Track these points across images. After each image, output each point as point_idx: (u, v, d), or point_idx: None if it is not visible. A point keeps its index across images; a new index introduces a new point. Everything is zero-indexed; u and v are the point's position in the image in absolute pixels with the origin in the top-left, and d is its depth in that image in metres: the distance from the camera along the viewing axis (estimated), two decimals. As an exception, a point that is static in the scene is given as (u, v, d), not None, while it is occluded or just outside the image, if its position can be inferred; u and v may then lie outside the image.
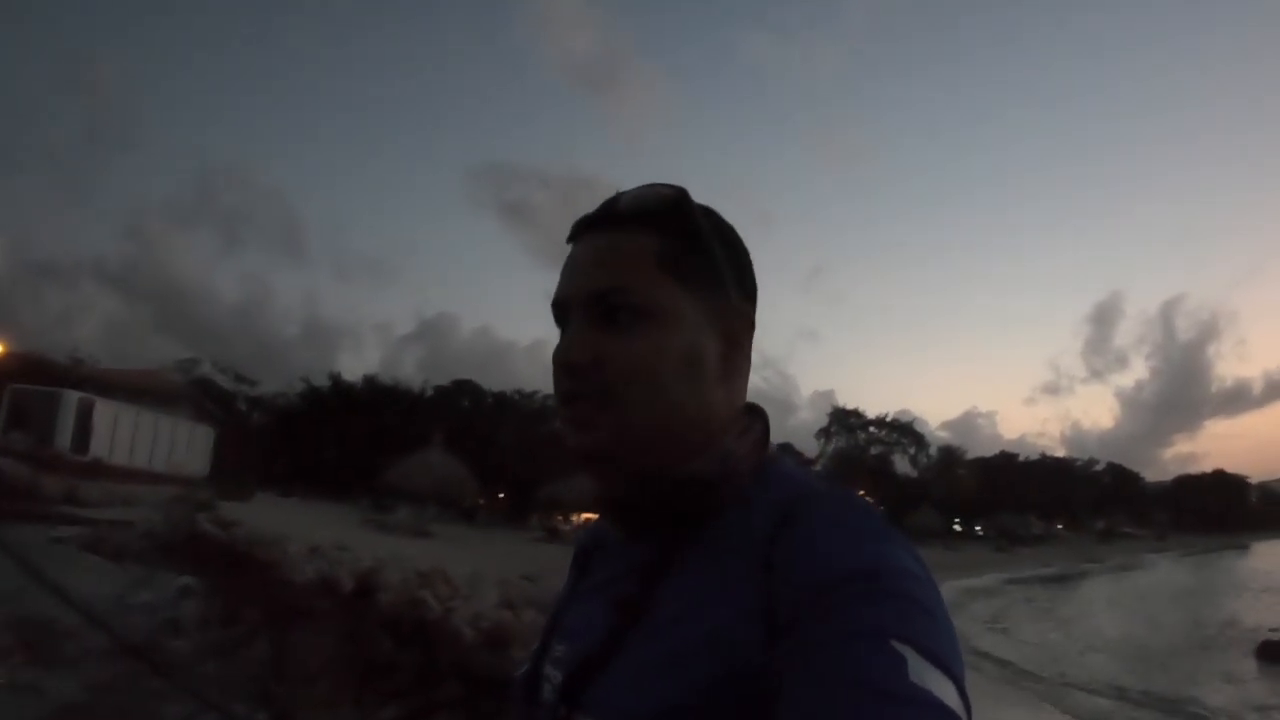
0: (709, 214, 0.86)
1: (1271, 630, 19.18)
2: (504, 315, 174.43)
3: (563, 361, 0.80)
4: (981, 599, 29.26)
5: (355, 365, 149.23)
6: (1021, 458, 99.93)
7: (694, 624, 0.70)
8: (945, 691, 0.57)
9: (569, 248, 0.87)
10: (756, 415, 0.88)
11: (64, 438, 29.53)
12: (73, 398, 30.81)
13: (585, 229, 0.86)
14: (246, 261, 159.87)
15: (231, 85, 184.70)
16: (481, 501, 45.61)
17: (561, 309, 0.84)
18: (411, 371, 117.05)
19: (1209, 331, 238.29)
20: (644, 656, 0.72)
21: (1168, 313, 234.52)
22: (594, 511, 0.93)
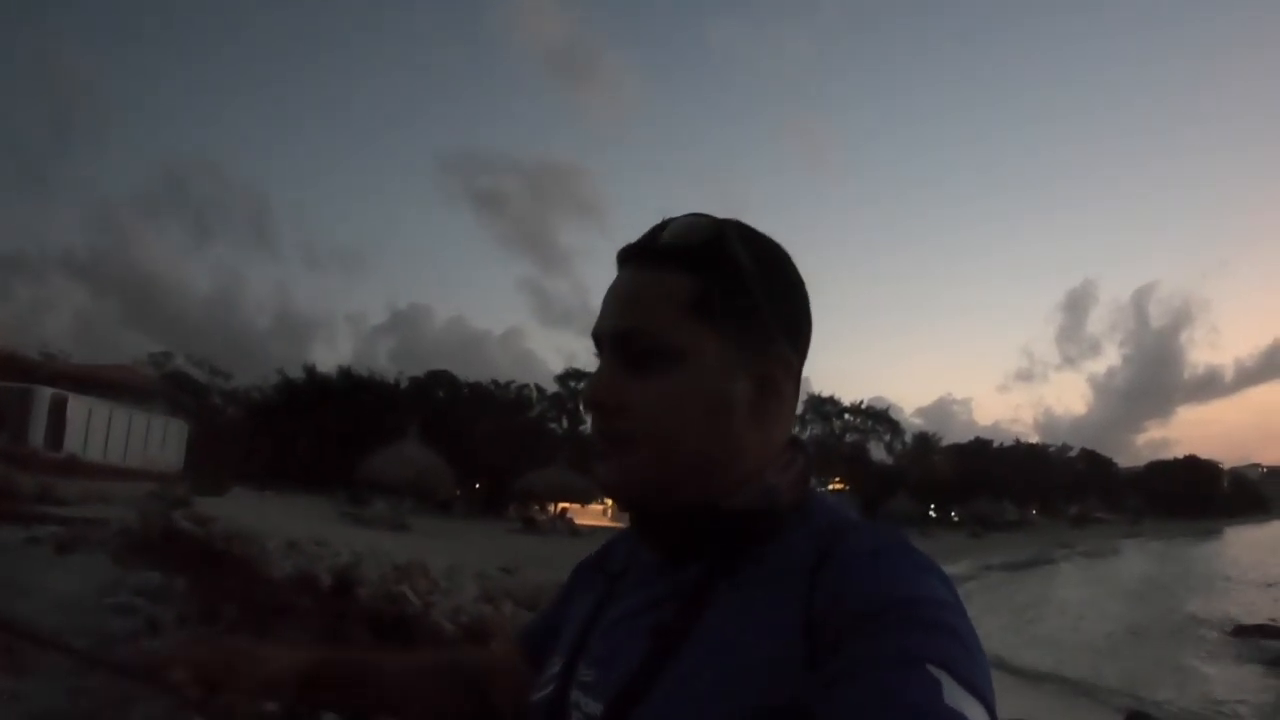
0: (759, 247, 0.85)
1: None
2: (477, 305, 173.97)
3: (587, 399, 0.83)
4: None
5: (328, 357, 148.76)
6: (996, 444, 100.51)
7: (736, 654, 0.72)
8: (978, 716, 0.59)
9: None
10: (799, 449, 0.88)
11: (37, 435, 29.34)
12: (45, 394, 30.58)
13: (627, 260, 0.86)
14: (216, 253, 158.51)
15: (199, 75, 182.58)
16: (458, 493, 45.47)
17: (597, 343, 0.85)
18: (385, 363, 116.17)
19: (1181, 319, 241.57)
20: (685, 686, 0.72)
21: (1140, 300, 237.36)
22: (636, 531, 0.91)
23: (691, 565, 0.82)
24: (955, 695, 0.59)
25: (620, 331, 0.82)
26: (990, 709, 0.61)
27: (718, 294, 0.81)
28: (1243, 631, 18.60)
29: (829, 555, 0.74)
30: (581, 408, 0.86)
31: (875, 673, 0.62)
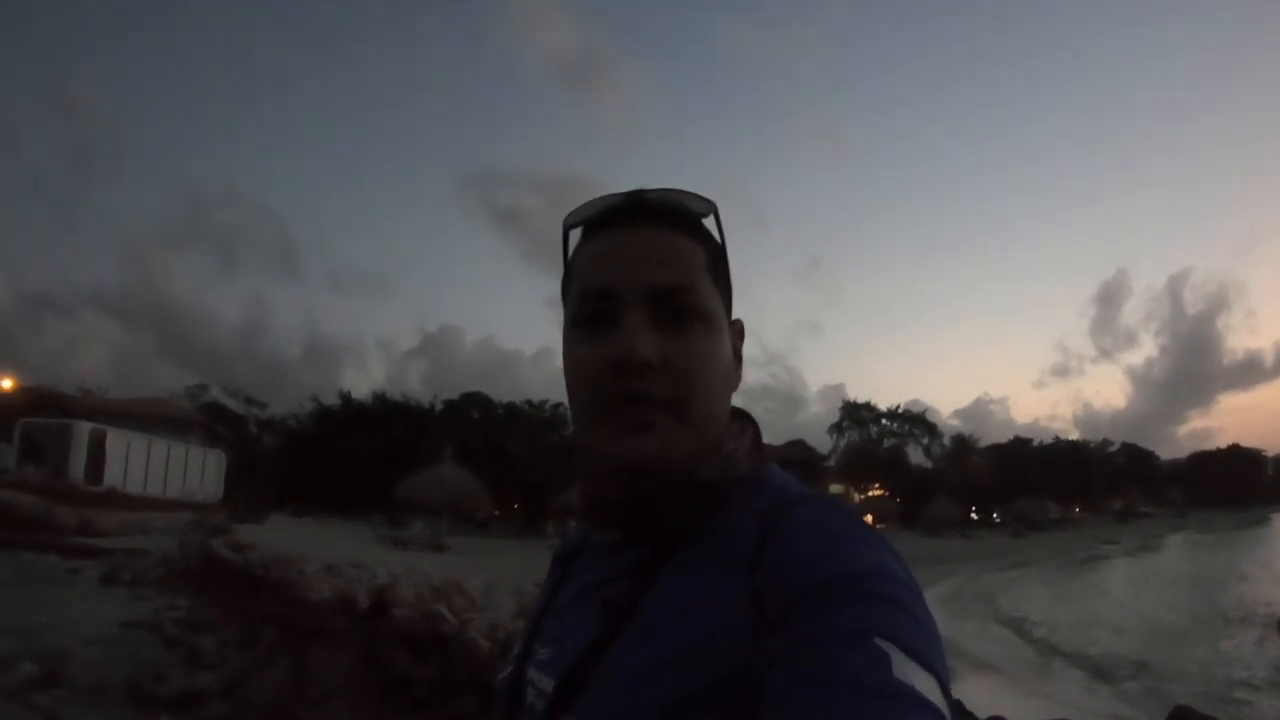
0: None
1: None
2: (505, 325, 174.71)
3: (624, 358, 0.76)
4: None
5: (360, 382, 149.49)
6: (1035, 442, 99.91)
7: (683, 628, 0.70)
8: (928, 688, 0.59)
9: (581, 234, 0.86)
10: (746, 419, 0.89)
11: (77, 469, 29.68)
12: (85, 429, 30.96)
13: (623, 219, 0.83)
14: (243, 282, 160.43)
15: (215, 103, 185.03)
16: (495, 512, 45.66)
17: (606, 299, 0.80)
18: (418, 386, 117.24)
19: (1217, 304, 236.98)
20: (634, 660, 0.71)
21: (1175, 287, 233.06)
22: (586, 513, 0.90)
23: (643, 541, 0.81)
24: (904, 668, 0.59)
25: (662, 287, 0.79)
26: (941, 680, 0.61)
27: (719, 263, 0.85)
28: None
29: (775, 527, 0.73)
30: (602, 373, 0.78)
31: (822, 647, 0.61)
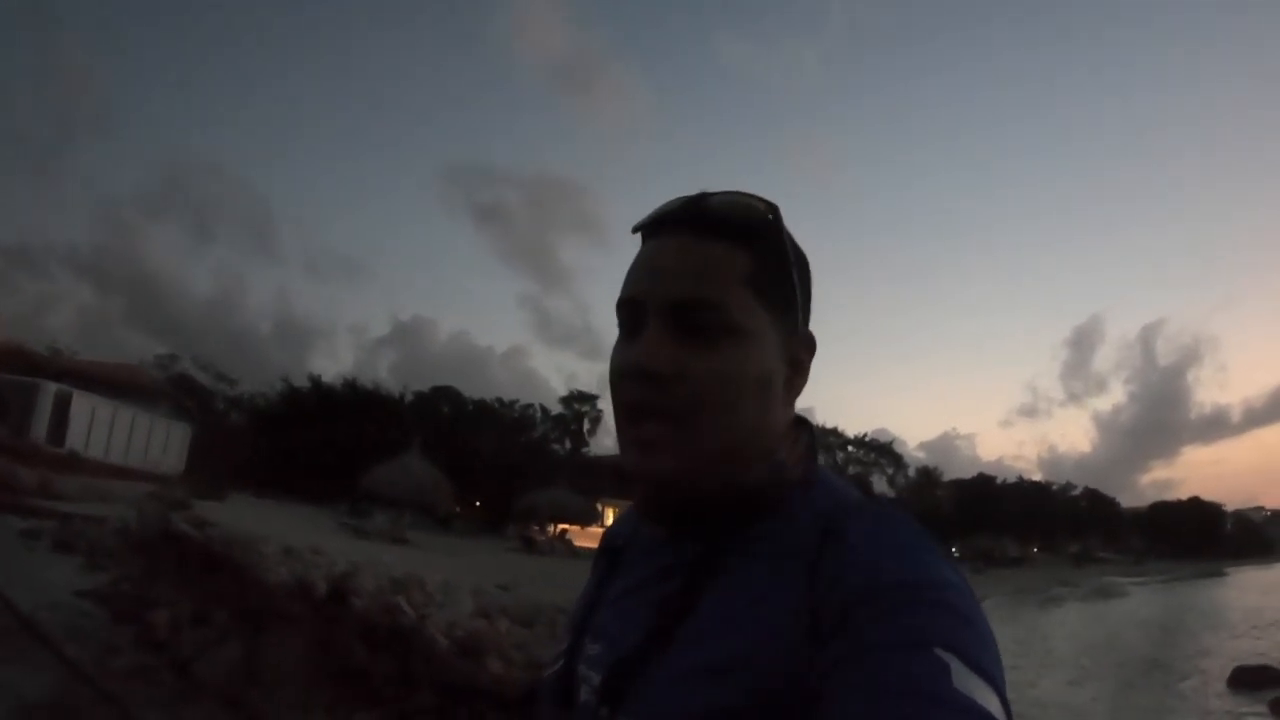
0: (792, 239, 0.86)
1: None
2: (480, 320, 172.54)
3: (637, 368, 0.78)
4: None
5: (329, 366, 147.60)
6: (999, 480, 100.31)
7: (740, 629, 0.71)
8: (988, 699, 0.58)
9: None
10: (803, 426, 0.88)
11: (40, 429, 29.40)
12: (50, 389, 30.66)
13: (667, 226, 0.83)
14: (218, 256, 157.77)
15: (203, 76, 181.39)
16: (458, 510, 45.38)
17: (634, 309, 0.81)
18: (386, 374, 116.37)
19: (1189, 357, 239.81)
20: (689, 660, 0.71)
21: (1148, 336, 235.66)
22: (638, 508, 0.90)
23: (697, 539, 0.81)
24: (964, 679, 0.59)
25: (683, 299, 0.78)
26: (1000, 692, 0.61)
27: (771, 274, 0.82)
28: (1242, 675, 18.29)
29: (833, 533, 0.73)
30: (620, 382, 0.80)
31: (881, 656, 0.61)
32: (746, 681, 0.67)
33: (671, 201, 0.84)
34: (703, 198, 0.82)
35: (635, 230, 0.87)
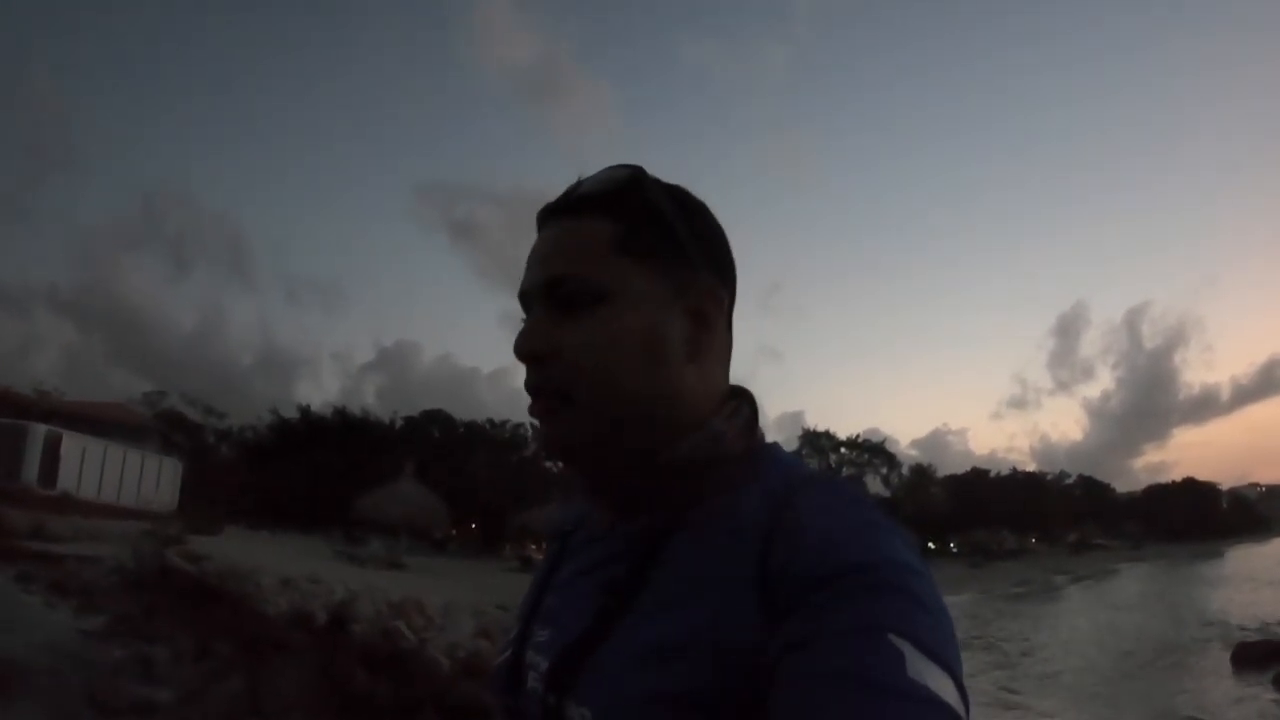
0: (675, 192, 0.84)
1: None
2: (464, 342, 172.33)
3: (518, 351, 0.80)
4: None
5: (315, 395, 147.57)
6: (993, 473, 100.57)
7: (688, 610, 0.68)
8: (944, 687, 0.57)
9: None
10: (743, 397, 0.85)
11: (30, 471, 29.15)
12: (40, 431, 30.42)
13: (545, 219, 0.85)
14: (196, 288, 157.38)
15: (169, 105, 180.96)
16: (454, 532, 45.25)
17: (524, 302, 0.83)
18: (373, 401, 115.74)
19: (1175, 338, 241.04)
20: (637, 642, 0.69)
21: (1133, 321, 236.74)
22: (583, 495, 0.90)
23: (641, 519, 0.79)
24: (919, 667, 0.57)
25: (546, 280, 0.80)
26: (956, 678, 0.59)
27: (642, 232, 0.80)
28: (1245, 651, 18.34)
29: (784, 511, 0.70)
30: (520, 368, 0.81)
31: (835, 642, 0.59)
32: (697, 663, 0.65)
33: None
34: (575, 183, 0.84)
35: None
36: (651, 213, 0.81)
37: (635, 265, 0.79)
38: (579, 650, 0.73)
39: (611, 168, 0.84)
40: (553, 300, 0.79)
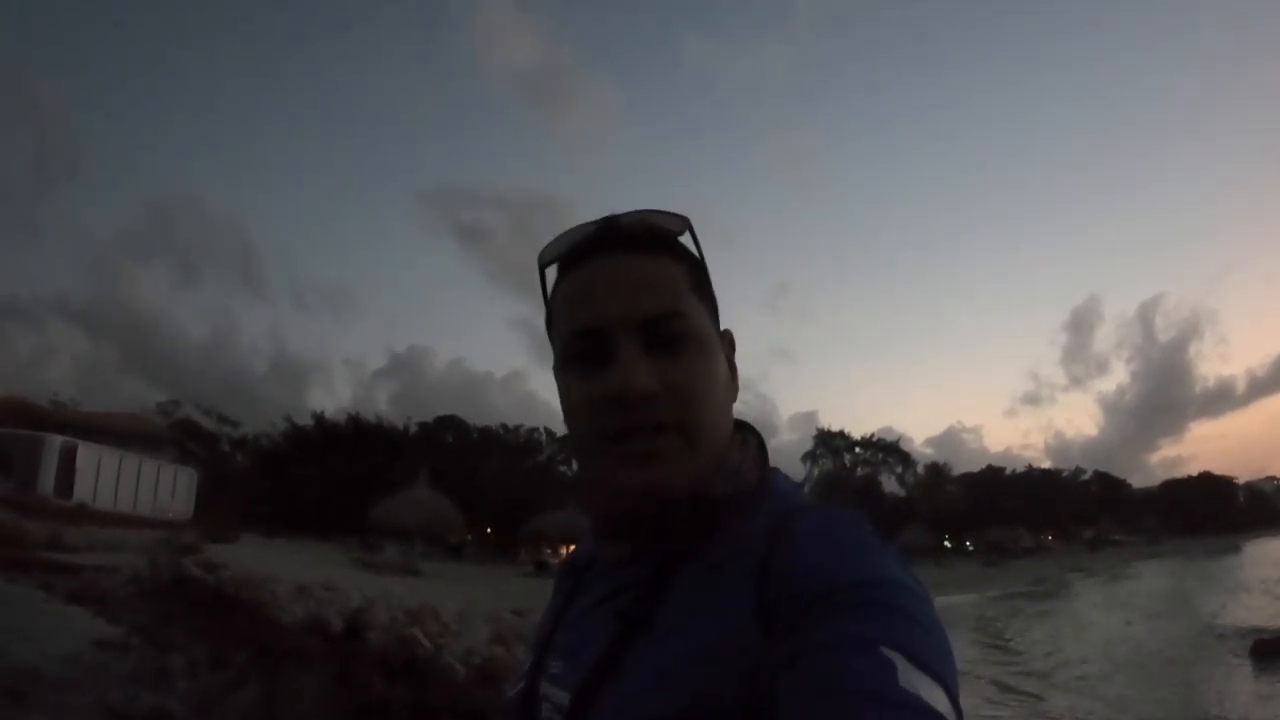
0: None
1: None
2: (477, 347, 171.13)
3: (622, 392, 0.76)
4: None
5: (327, 401, 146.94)
6: (1008, 471, 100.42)
7: (694, 635, 0.71)
8: (936, 697, 0.58)
9: (555, 270, 0.85)
10: (749, 431, 0.88)
11: (47, 482, 29.34)
12: (56, 442, 30.61)
13: (599, 250, 0.82)
14: (207, 297, 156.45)
15: (178, 114, 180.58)
16: (469, 537, 45.34)
17: (597, 339, 0.79)
18: (386, 407, 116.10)
19: (1189, 331, 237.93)
20: (648, 670, 0.71)
21: (1146, 314, 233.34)
22: (594, 530, 0.89)
23: (653, 554, 0.81)
24: (911, 677, 0.58)
25: (649, 316, 0.78)
26: (950, 690, 0.60)
27: (700, 275, 0.85)
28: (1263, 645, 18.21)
29: (782, 536, 0.73)
30: (598, 411, 0.78)
31: (827, 655, 0.61)
32: (703, 686, 0.67)
33: (582, 227, 0.84)
34: (618, 218, 0.83)
35: (548, 263, 0.87)
36: (702, 262, 0.86)
37: (702, 306, 0.83)
38: (593, 682, 0.75)
39: (656, 212, 0.85)
40: (652, 337, 0.78)
